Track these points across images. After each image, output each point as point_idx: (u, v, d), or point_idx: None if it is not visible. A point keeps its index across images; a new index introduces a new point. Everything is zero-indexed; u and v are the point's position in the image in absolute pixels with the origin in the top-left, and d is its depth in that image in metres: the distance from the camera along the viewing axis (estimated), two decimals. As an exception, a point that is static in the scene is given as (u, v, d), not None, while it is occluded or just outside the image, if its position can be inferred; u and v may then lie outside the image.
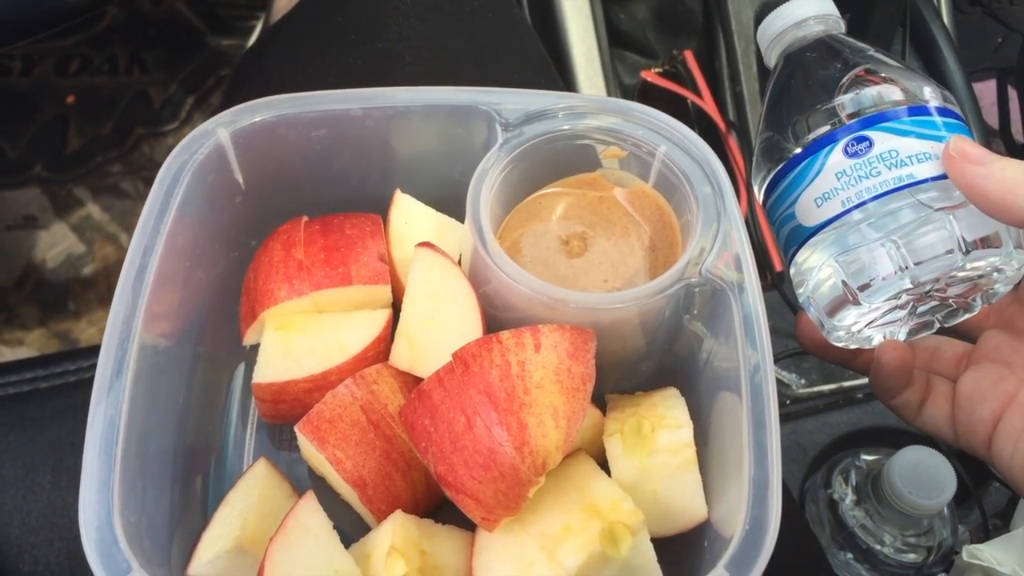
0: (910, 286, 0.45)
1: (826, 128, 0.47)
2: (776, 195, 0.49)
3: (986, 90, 1.20)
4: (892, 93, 0.47)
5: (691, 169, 0.49)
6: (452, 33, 0.68)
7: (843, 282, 0.46)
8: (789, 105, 0.49)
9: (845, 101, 0.47)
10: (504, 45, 0.71)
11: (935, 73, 0.95)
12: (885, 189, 0.45)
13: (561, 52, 0.93)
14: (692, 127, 0.50)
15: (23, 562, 0.60)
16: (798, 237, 0.48)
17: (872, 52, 0.49)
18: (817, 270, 0.47)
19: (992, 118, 1.10)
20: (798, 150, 0.47)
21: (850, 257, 0.46)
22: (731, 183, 0.48)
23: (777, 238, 0.51)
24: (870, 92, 0.47)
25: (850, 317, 0.47)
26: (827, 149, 0.46)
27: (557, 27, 0.92)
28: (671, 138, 0.50)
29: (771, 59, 0.52)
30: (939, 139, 0.46)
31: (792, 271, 0.50)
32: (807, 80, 0.49)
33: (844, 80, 0.48)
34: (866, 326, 0.49)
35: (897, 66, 0.48)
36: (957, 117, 0.47)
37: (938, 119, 0.46)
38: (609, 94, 0.93)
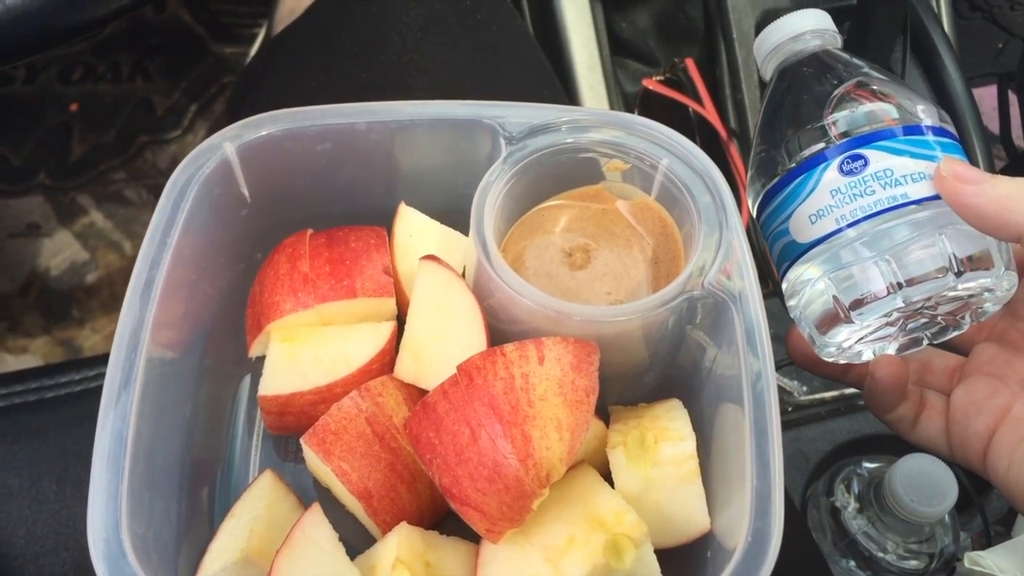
0: (902, 305, 0.45)
1: (821, 145, 0.47)
2: (770, 210, 0.49)
3: (987, 95, 1.20)
4: (887, 111, 0.47)
5: (692, 181, 0.49)
6: (455, 46, 0.68)
7: (835, 299, 0.46)
8: (784, 120, 0.49)
9: (840, 118, 0.47)
10: (507, 57, 0.71)
11: (935, 79, 0.95)
12: (879, 208, 0.45)
13: (563, 61, 0.93)
14: (693, 135, 0.50)
15: (28, 572, 0.61)
16: (791, 253, 0.48)
17: (867, 69, 0.49)
18: (810, 286, 0.48)
19: (993, 124, 1.10)
20: (792, 166, 0.47)
21: (843, 275, 0.46)
22: (732, 192, 0.48)
23: (770, 252, 0.51)
24: (865, 110, 0.47)
25: (841, 334, 0.48)
26: (822, 166, 0.46)
27: (559, 36, 0.93)
28: (673, 151, 0.50)
29: (767, 72, 0.52)
30: (933, 159, 0.46)
31: (784, 286, 0.50)
32: (803, 96, 0.49)
33: (836, 94, 0.48)
34: (856, 342, 0.49)
35: (892, 83, 0.48)
36: (951, 136, 0.48)
37: (932, 139, 0.46)
38: (611, 102, 0.93)
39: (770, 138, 0.49)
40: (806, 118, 0.48)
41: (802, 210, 0.47)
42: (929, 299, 0.46)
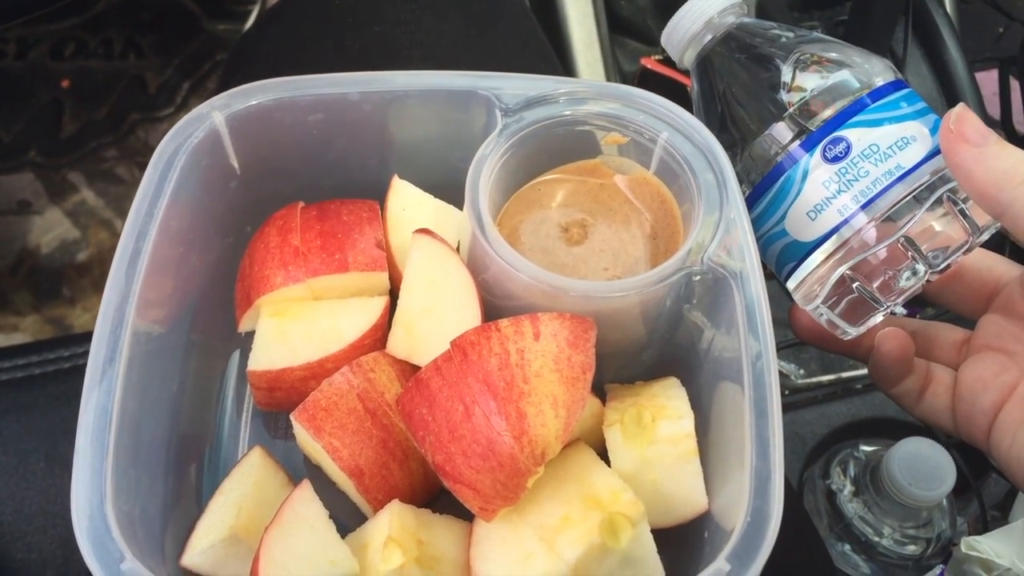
0: (927, 270, 0.44)
1: (794, 136, 0.45)
2: (755, 214, 0.48)
3: (987, 80, 1.19)
4: (847, 83, 0.45)
5: (693, 156, 0.48)
6: (451, 17, 0.67)
7: (863, 289, 0.45)
8: (736, 116, 0.47)
9: (804, 103, 0.45)
10: (503, 30, 0.71)
11: (937, 62, 0.94)
12: (880, 188, 0.44)
13: (560, 38, 0.92)
14: (692, 114, 0.49)
15: (16, 549, 0.60)
16: (796, 253, 0.47)
17: (796, 37, 0.47)
18: (830, 284, 0.46)
19: (993, 108, 1.09)
20: (770, 167, 0.46)
21: (865, 264, 0.44)
22: (733, 170, 0.47)
23: (765, 256, 0.48)
24: (825, 87, 0.45)
25: (876, 318, 0.46)
26: (804, 158, 0.45)
27: (557, 13, 0.92)
28: (673, 124, 0.49)
29: (684, 61, 0.50)
30: (908, 118, 0.44)
31: (793, 285, 0.48)
32: (748, 85, 0.47)
33: (787, 80, 0.46)
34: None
35: (828, 45, 0.47)
36: (905, 84, 0.46)
37: (897, 96, 0.45)
38: (608, 81, 0.92)
39: (730, 141, 0.48)
40: (765, 111, 0.46)
41: (797, 208, 0.46)
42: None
